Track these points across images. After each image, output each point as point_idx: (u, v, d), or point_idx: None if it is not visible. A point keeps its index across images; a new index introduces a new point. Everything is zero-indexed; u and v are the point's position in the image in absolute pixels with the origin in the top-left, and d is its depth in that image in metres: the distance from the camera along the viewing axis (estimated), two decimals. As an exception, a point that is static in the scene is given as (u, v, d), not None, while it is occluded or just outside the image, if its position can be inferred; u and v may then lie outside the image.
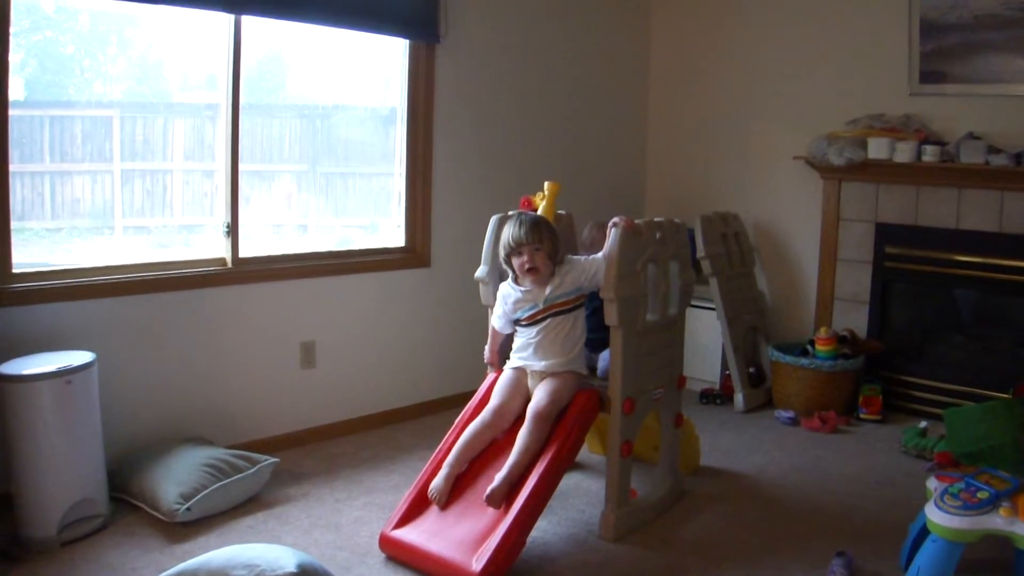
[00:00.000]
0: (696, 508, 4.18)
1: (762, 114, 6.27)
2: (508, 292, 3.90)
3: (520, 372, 3.88)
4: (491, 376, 4.06)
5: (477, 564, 3.27)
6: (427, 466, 3.73)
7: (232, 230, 4.58)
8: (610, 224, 3.77)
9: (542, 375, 3.79)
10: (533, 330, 3.83)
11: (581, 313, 3.87)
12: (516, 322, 3.91)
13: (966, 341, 5.64)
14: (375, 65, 5.33)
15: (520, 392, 3.83)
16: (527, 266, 3.74)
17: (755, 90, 6.30)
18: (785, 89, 6.13)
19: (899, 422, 5.40)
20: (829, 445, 5.07)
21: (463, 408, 3.96)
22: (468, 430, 3.74)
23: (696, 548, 3.76)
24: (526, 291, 3.82)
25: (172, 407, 4.38)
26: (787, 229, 6.23)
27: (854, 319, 5.85)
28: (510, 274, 3.88)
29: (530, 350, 3.84)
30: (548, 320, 3.80)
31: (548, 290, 3.79)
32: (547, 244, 3.76)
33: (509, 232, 3.77)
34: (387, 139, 5.39)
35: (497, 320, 4.00)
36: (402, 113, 5.34)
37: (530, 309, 3.82)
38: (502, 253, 3.84)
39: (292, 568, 2.85)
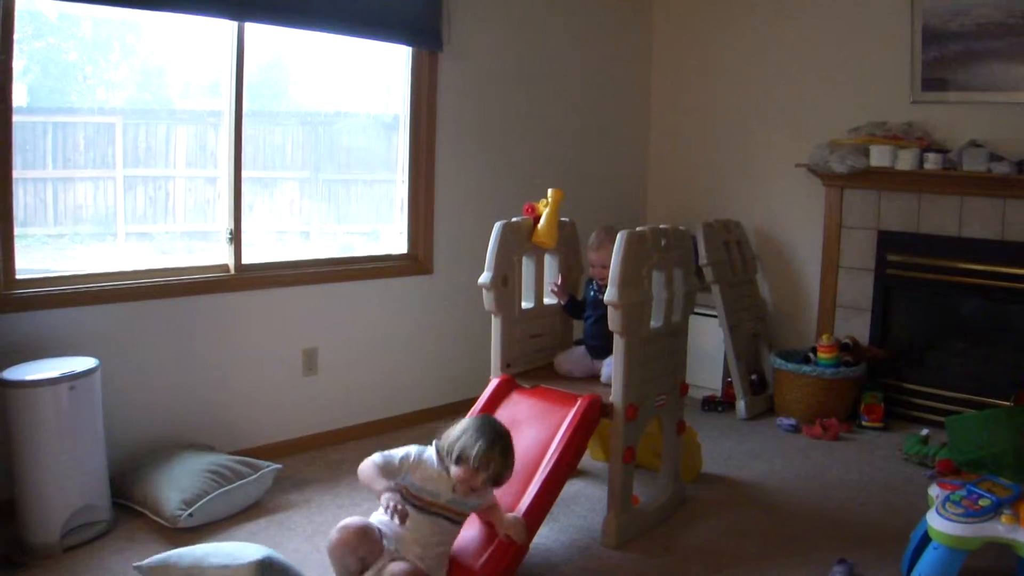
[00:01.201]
0: (698, 515, 4.18)
1: (764, 122, 6.28)
2: (428, 459, 3.31)
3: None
4: (493, 382, 4.06)
5: (480, 570, 3.27)
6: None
7: (235, 237, 4.58)
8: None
9: (391, 556, 3.20)
10: (412, 511, 3.23)
11: (459, 529, 3.38)
12: (406, 489, 3.28)
13: (968, 349, 5.63)
14: (378, 72, 5.34)
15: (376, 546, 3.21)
16: (467, 486, 3.23)
17: (757, 98, 6.31)
18: (787, 97, 6.14)
19: (901, 429, 5.39)
20: (831, 452, 5.07)
21: (465, 415, 3.94)
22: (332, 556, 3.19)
23: (698, 555, 3.76)
24: (440, 474, 3.27)
25: (174, 413, 4.39)
26: (789, 236, 6.23)
27: (856, 326, 5.85)
28: (439, 460, 3.30)
29: (397, 526, 3.21)
30: (435, 517, 3.26)
31: (457, 496, 3.28)
32: (502, 483, 3.35)
33: (477, 443, 3.20)
34: (390, 146, 5.40)
35: (389, 468, 3.28)
36: (405, 120, 5.34)
37: (429, 494, 3.26)
38: (456, 448, 3.23)
39: (257, 557, 3.02)
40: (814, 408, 5.49)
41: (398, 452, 3.31)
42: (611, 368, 3.86)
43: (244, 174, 4.60)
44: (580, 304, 4.44)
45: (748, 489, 4.53)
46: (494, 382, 4.06)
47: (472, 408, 3.96)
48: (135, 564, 3.17)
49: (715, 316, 5.85)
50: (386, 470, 3.26)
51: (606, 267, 4.04)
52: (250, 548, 3.13)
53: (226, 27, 4.46)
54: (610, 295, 3.67)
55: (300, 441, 4.88)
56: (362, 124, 5.34)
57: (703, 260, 5.69)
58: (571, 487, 4.35)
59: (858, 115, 5.72)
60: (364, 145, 5.36)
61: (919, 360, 5.74)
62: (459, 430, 3.29)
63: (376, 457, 3.29)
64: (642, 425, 3.90)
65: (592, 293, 4.35)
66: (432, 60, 5.30)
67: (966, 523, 3.14)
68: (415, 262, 5.40)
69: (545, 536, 3.84)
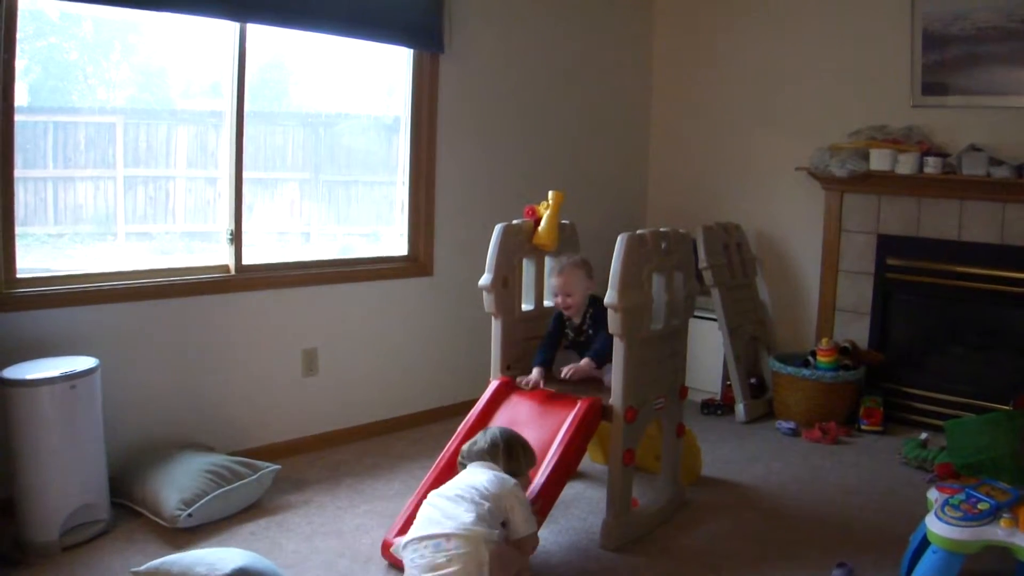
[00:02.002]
0: (697, 518, 4.18)
1: (764, 125, 6.28)
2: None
3: None
4: (493, 384, 4.06)
5: (478, 572, 3.26)
6: (429, 474, 3.72)
7: (235, 237, 4.58)
8: None
9: None
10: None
11: None
12: None
13: (967, 353, 5.63)
14: (379, 74, 5.34)
15: None
16: None
17: (757, 101, 6.31)
18: (787, 100, 6.14)
19: (900, 433, 5.39)
20: (830, 456, 5.07)
21: (465, 416, 3.95)
22: None
23: (697, 558, 3.76)
24: None
25: (174, 413, 4.38)
26: (789, 240, 6.24)
27: (855, 330, 5.85)
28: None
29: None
30: None
31: None
32: None
33: (529, 452, 3.51)
34: (390, 148, 5.40)
35: None
36: (406, 122, 5.35)
37: None
38: (522, 466, 3.46)
39: (229, 569, 3.03)
40: (813, 412, 5.49)
41: (525, 506, 3.29)
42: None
43: (245, 175, 4.60)
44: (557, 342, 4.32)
45: (747, 492, 4.53)
46: (494, 384, 4.06)
47: (471, 410, 3.96)
48: (132, 569, 3.17)
49: (715, 319, 5.85)
50: None
51: (570, 295, 4.04)
52: (231, 556, 3.15)
53: (227, 28, 4.46)
54: (610, 298, 3.66)
55: (300, 442, 4.87)
56: (363, 125, 5.34)
57: (703, 263, 5.69)
58: (570, 489, 4.35)
59: (858, 119, 5.72)
60: (365, 146, 5.36)
61: (918, 364, 5.74)
62: (506, 448, 3.41)
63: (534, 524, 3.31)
64: (641, 428, 3.90)
65: (567, 335, 4.28)
66: (433, 62, 5.30)
67: (965, 527, 3.13)
68: (415, 264, 5.40)
69: (544, 538, 3.83)
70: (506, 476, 3.31)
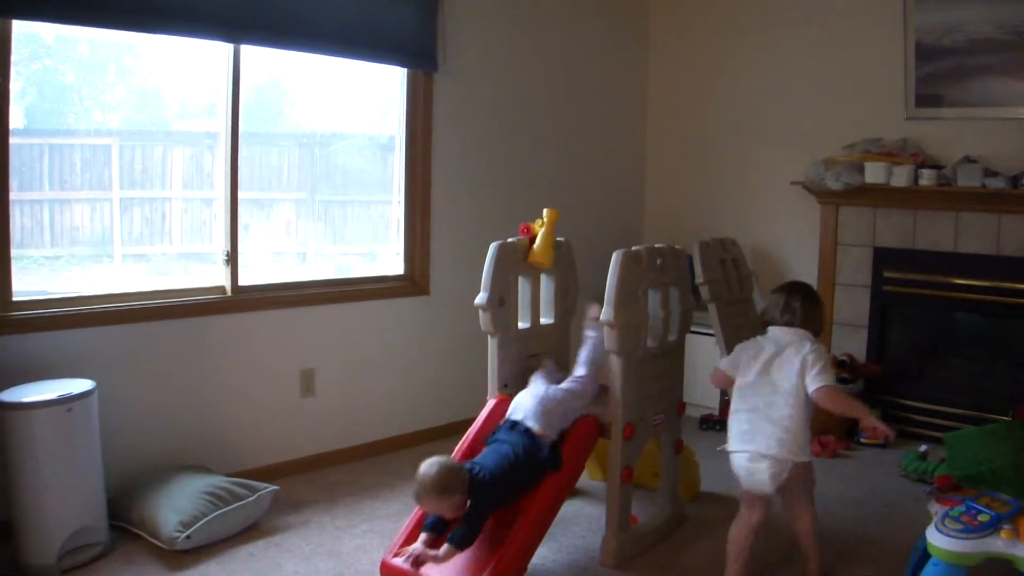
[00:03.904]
0: (697, 534, 4.17)
1: (759, 140, 6.30)
2: None
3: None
4: (490, 403, 4.04)
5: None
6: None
7: (231, 258, 4.58)
8: None
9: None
10: None
11: None
12: None
13: (965, 364, 5.63)
14: (373, 93, 5.36)
15: None
16: None
17: (752, 116, 6.33)
18: (782, 115, 6.16)
19: (899, 446, 5.38)
20: (829, 470, 5.05)
21: (462, 436, 3.94)
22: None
23: (697, 574, 3.75)
24: None
25: (172, 435, 4.37)
26: (785, 254, 6.24)
27: (853, 343, 5.85)
28: None
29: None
30: None
31: None
32: None
33: None
34: (385, 167, 5.41)
35: None
36: (401, 141, 5.35)
37: None
38: None
39: None
40: (812, 425, 5.46)
41: (820, 361, 3.59)
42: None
43: (240, 195, 4.61)
44: None
45: (747, 507, 4.52)
46: (491, 403, 4.05)
47: (468, 429, 3.95)
48: None
49: (712, 335, 5.82)
50: None
51: (445, 513, 3.50)
52: None
53: (222, 49, 4.47)
54: (606, 315, 3.66)
55: (298, 462, 4.86)
56: (358, 145, 5.35)
57: (699, 279, 5.64)
58: (569, 507, 4.35)
59: (853, 132, 5.73)
60: (360, 166, 5.37)
61: (917, 376, 5.73)
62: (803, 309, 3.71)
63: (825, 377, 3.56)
64: (640, 444, 3.89)
65: None
66: (427, 81, 5.31)
67: (965, 539, 3.12)
68: (412, 283, 5.40)
69: (544, 556, 3.83)
70: (808, 352, 3.54)
